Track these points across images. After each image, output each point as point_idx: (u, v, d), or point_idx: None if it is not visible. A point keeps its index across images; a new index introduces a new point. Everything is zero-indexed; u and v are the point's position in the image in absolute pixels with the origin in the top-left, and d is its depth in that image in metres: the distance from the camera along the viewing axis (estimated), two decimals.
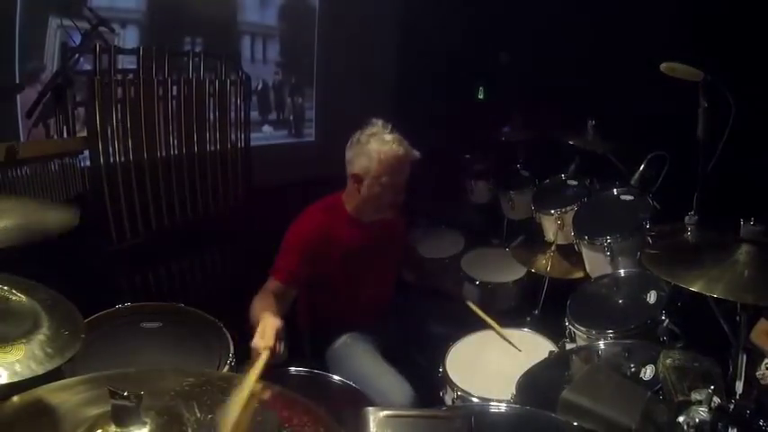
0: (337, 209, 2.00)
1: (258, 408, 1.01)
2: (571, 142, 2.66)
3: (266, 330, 1.51)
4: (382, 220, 2.05)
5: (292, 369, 1.75)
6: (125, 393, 0.82)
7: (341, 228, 1.96)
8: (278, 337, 1.51)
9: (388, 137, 1.91)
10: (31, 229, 1.01)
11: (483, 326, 2.14)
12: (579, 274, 2.52)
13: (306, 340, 2.08)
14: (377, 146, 1.89)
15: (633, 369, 1.56)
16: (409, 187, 1.99)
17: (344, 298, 2.01)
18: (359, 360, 1.89)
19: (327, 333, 2.00)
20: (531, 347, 1.94)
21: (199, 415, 0.95)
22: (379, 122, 1.94)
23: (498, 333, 2.04)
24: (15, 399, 0.90)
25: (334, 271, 1.95)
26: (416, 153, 1.95)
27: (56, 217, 1.09)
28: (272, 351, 1.47)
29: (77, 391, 0.95)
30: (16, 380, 0.90)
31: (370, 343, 1.97)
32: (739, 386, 1.29)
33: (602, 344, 1.75)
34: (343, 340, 1.96)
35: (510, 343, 2.00)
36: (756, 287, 1.19)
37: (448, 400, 1.79)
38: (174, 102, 2.50)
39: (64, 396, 0.94)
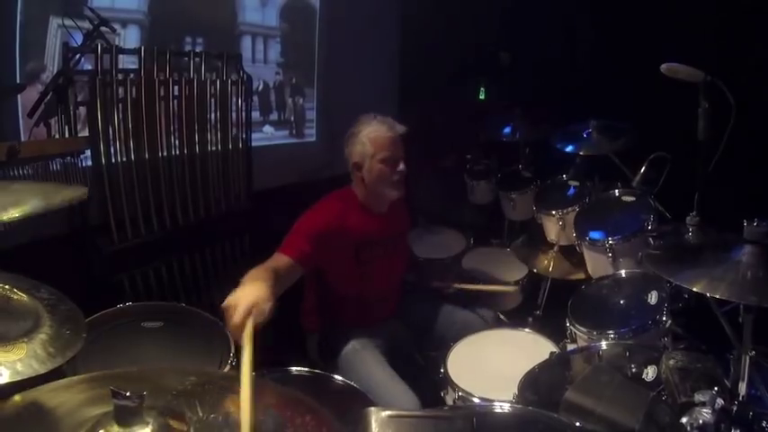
0: (350, 199, 2.07)
1: (261, 408, 1.00)
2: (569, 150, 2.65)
3: (240, 304, 1.27)
4: (392, 212, 2.11)
5: (293, 369, 1.75)
6: (127, 394, 0.82)
7: (354, 216, 2.01)
8: (249, 314, 1.27)
9: (373, 120, 2.03)
10: (47, 199, 1.00)
11: (484, 326, 2.14)
12: (581, 275, 2.52)
13: (315, 341, 2.08)
14: (366, 130, 2.02)
15: (635, 370, 1.55)
16: (408, 178, 2.05)
17: (355, 293, 2.03)
18: (366, 368, 1.89)
19: (338, 333, 2.01)
20: (533, 348, 1.94)
21: (201, 414, 0.94)
22: (363, 116, 2.06)
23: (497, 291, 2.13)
24: (17, 397, 0.90)
25: (346, 261, 1.97)
26: (401, 126, 2.05)
27: (67, 192, 1.09)
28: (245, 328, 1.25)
29: (79, 391, 0.95)
30: (18, 379, 0.90)
31: (378, 347, 1.97)
32: (742, 387, 1.28)
33: (603, 344, 1.74)
34: (352, 346, 1.95)
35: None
36: (759, 288, 1.19)
37: (449, 400, 1.79)
38: (175, 102, 2.49)
39: (65, 395, 0.93)
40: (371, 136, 2.00)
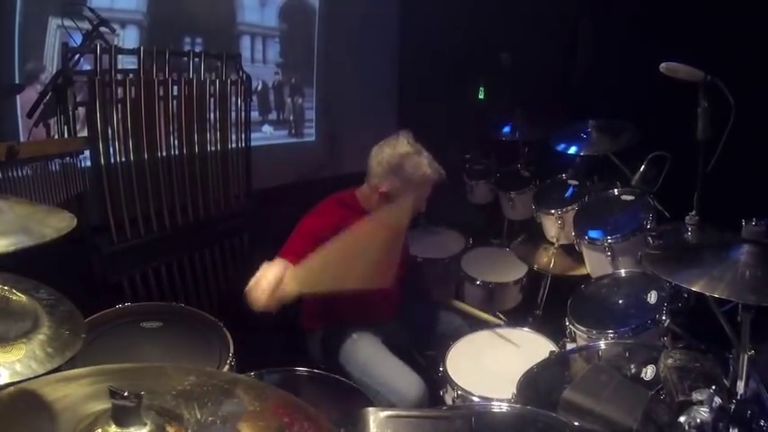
0: (352, 203, 2.03)
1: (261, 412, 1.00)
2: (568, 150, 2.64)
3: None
4: None
5: (293, 369, 1.75)
6: (125, 393, 0.82)
7: (355, 220, 1.96)
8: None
9: (423, 160, 1.92)
10: (27, 234, 1.00)
11: (484, 326, 2.15)
12: (582, 271, 2.52)
13: (316, 340, 2.08)
14: (411, 170, 1.90)
15: (634, 369, 1.56)
16: None
17: (356, 294, 2.01)
18: (367, 355, 1.90)
19: (338, 332, 2.01)
20: (532, 347, 1.94)
21: (199, 416, 0.94)
22: (408, 138, 1.94)
23: (489, 321, 2.05)
24: (12, 389, 0.89)
25: None
26: (443, 173, 1.97)
27: (53, 222, 1.08)
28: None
29: (78, 385, 0.95)
30: (17, 379, 0.90)
31: (378, 338, 1.97)
32: (740, 386, 1.28)
33: (602, 344, 1.75)
34: (351, 338, 1.96)
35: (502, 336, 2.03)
36: (758, 287, 1.19)
37: (448, 399, 1.80)
38: (174, 102, 2.49)
39: (65, 389, 0.93)
40: (416, 180, 1.90)
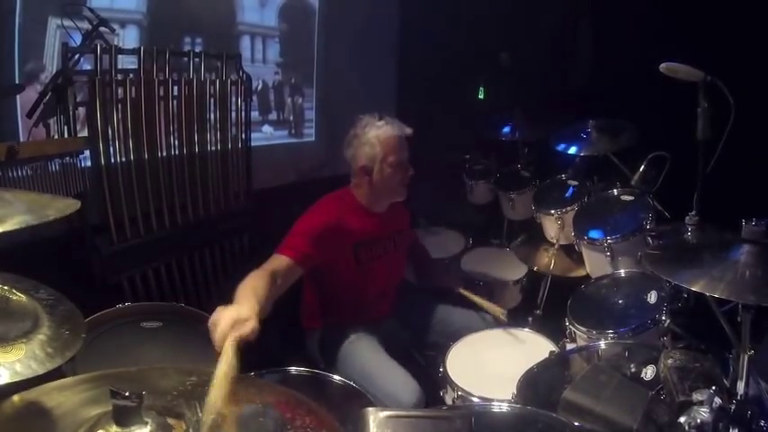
0: (348, 199, 2.05)
1: (261, 408, 1.00)
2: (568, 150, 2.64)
3: (220, 323, 1.29)
4: (390, 210, 2.10)
5: (293, 369, 1.75)
6: (126, 393, 0.82)
7: (353, 217, 2.00)
8: (228, 332, 1.27)
9: (379, 122, 1.99)
10: (32, 214, 1.00)
11: (484, 326, 2.14)
12: (582, 272, 2.53)
13: (315, 339, 2.08)
14: (374, 132, 1.97)
15: (634, 369, 1.56)
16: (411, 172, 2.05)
17: (355, 292, 2.03)
18: (365, 358, 1.90)
19: (337, 331, 2.01)
20: (532, 347, 1.94)
21: (200, 414, 0.94)
22: (366, 116, 2.02)
23: (499, 318, 2.07)
24: (15, 398, 0.90)
25: (346, 261, 1.97)
26: (408, 129, 2.03)
27: (58, 204, 1.08)
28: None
29: (78, 391, 0.95)
30: (17, 379, 0.90)
31: (376, 339, 1.98)
32: (741, 387, 1.28)
33: (602, 344, 1.75)
34: (350, 338, 1.97)
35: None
36: (757, 287, 1.19)
37: (448, 399, 1.80)
38: (174, 102, 2.49)
39: (65, 396, 0.93)
40: (382, 138, 1.96)
